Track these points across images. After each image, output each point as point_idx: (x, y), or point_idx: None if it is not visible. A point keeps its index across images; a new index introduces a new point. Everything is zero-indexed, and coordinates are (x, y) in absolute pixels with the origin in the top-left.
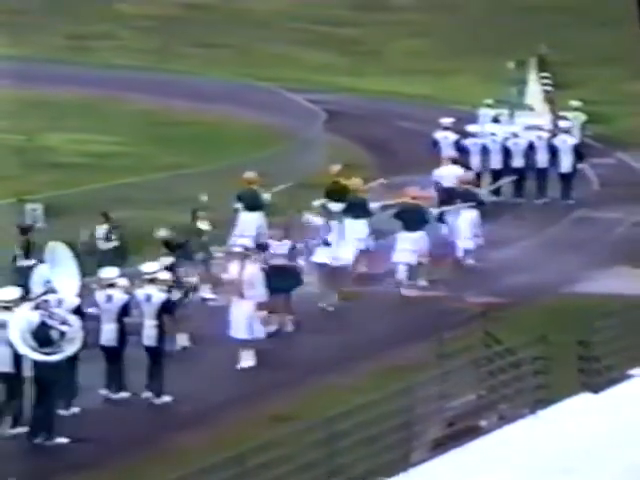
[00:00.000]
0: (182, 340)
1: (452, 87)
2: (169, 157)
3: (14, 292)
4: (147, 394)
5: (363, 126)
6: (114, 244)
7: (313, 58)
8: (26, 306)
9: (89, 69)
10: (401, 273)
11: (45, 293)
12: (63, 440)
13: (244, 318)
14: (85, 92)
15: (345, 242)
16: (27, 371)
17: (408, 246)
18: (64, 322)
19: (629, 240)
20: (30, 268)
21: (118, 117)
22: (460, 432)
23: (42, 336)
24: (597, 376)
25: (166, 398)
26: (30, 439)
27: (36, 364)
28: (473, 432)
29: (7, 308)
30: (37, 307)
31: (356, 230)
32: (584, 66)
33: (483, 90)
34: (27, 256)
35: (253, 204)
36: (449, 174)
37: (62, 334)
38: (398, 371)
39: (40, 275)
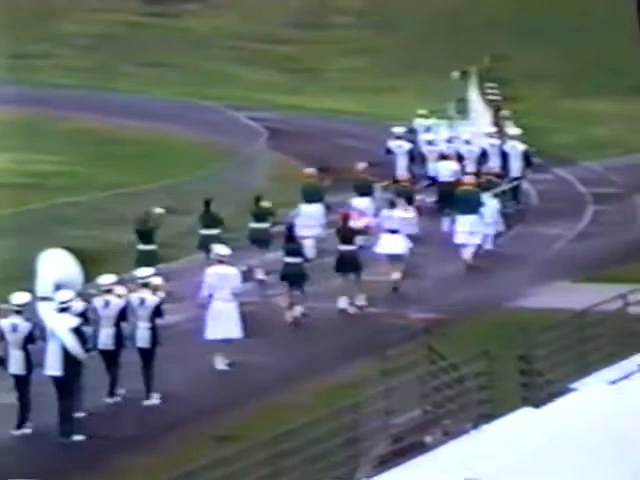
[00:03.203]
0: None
1: (390, 104)
2: (111, 176)
3: (25, 296)
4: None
5: (303, 143)
6: (215, 232)
7: (253, 76)
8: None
9: (30, 88)
10: (465, 253)
11: (65, 297)
12: (80, 437)
13: (232, 317)
14: (26, 111)
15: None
16: (54, 372)
17: (467, 228)
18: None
19: (567, 255)
20: None
21: (60, 136)
22: (405, 448)
23: (82, 336)
24: (538, 390)
25: (154, 400)
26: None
27: (70, 364)
28: (418, 448)
29: (19, 312)
30: (62, 310)
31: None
32: (521, 83)
33: (420, 107)
34: None
35: (314, 197)
36: (445, 169)
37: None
38: (343, 389)
39: (48, 278)
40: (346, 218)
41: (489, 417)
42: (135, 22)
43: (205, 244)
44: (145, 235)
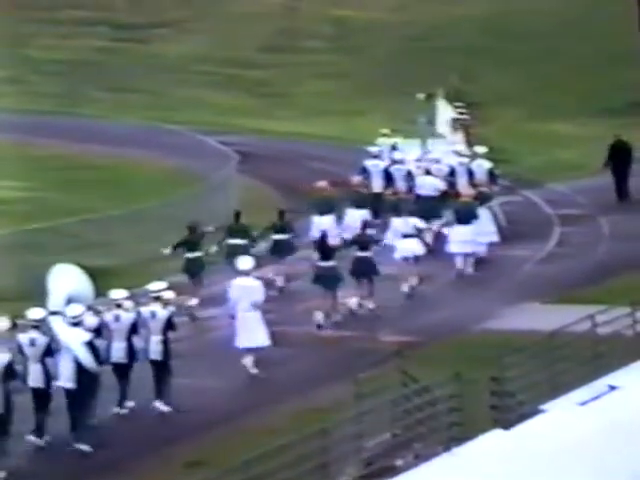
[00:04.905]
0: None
1: (359, 127)
2: (78, 202)
3: (41, 312)
4: (157, 405)
5: (273, 167)
6: (242, 242)
7: (223, 100)
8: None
9: None
10: (459, 262)
11: (77, 311)
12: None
13: (259, 326)
14: None
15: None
16: (67, 384)
17: (462, 238)
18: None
19: (536, 277)
20: None
21: (26, 162)
22: (377, 472)
23: (95, 350)
24: (509, 412)
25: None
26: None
27: (84, 376)
28: (389, 471)
29: (36, 327)
30: (75, 324)
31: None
32: (488, 105)
33: (389, 129)
34: None
35: (325, 209)
36: (429, 184)
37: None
38: (315, 413)
39: (59, 292)
40: (364, 226)
41: (460, 439)
42: (103, 47)
43: (232, 254)
44: (192, 244)
